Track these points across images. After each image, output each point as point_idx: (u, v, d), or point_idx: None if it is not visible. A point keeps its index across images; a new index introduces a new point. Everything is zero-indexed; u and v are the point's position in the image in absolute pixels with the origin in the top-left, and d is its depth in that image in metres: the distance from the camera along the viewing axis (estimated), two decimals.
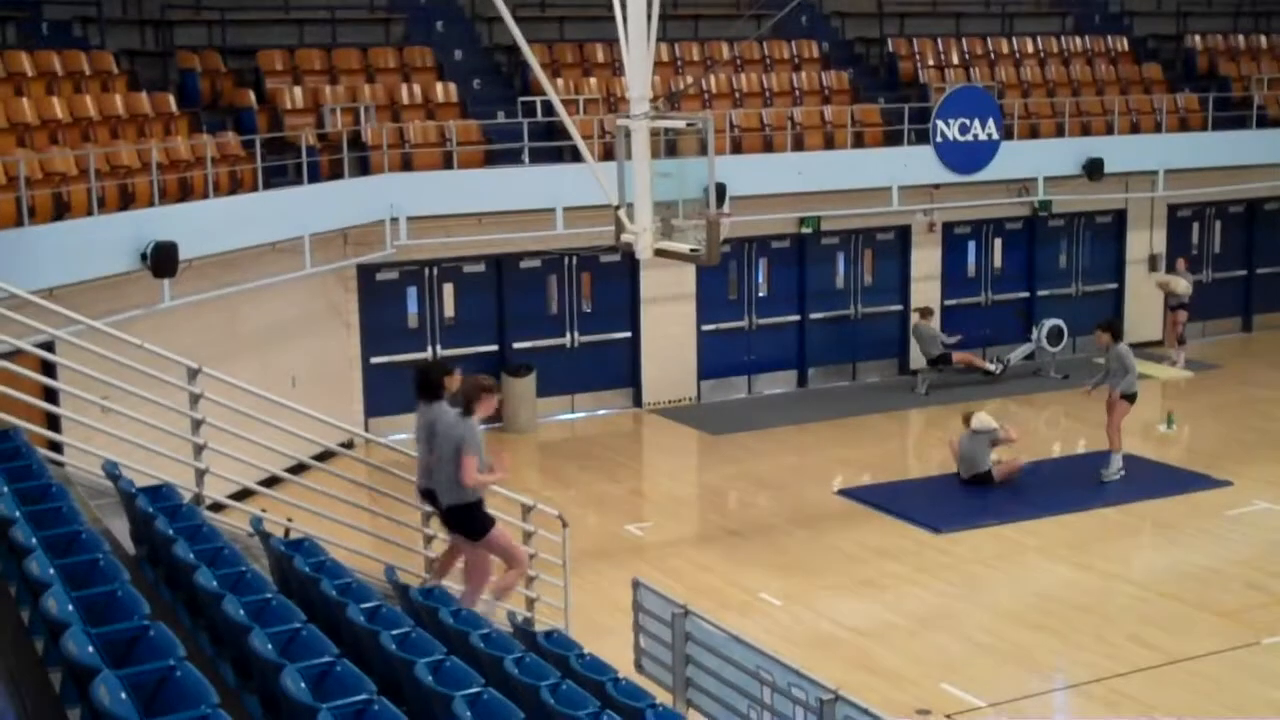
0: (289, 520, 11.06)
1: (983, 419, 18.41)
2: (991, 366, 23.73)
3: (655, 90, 15.66)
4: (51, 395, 11.64)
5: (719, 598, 14.33)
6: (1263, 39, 29.30)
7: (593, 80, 22.99)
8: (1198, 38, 28.87)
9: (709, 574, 15.34)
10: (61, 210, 14.99)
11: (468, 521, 10.48)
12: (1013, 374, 23.90)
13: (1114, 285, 26.40)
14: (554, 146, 21.33)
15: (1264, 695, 12.21)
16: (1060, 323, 24.49)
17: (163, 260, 15.56)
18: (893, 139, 23.79)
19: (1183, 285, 24.68)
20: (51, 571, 6.72)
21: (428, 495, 10.84)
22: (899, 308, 24.64)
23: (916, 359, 24.15)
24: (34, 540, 7.16)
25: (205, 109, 20.01)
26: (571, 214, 20.35)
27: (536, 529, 12.20)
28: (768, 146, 22.95)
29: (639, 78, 13.96)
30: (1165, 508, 17.43)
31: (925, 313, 23.64)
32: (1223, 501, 17.56)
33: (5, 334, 10.90)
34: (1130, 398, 18.04)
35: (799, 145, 23.10)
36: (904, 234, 24.47)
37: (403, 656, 7.08)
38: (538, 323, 22.18)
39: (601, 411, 22.64)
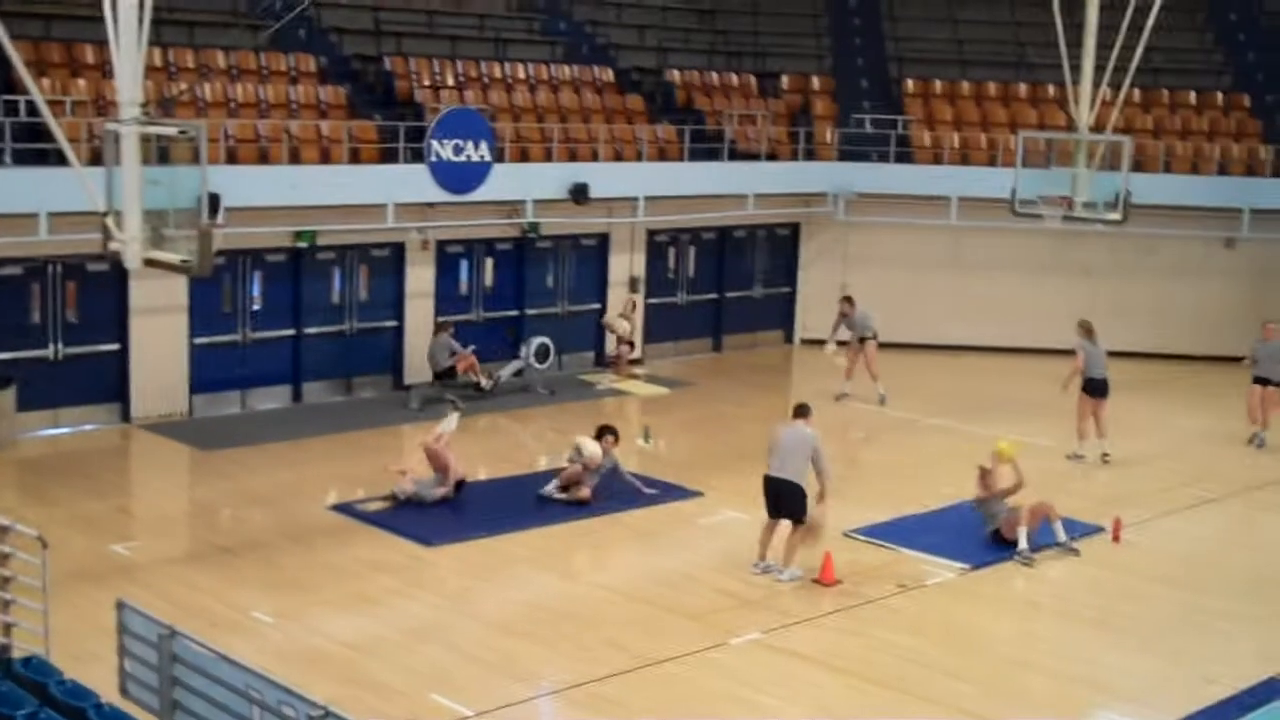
0: None
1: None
2: (484, 382, 24.29)
3: (147, 95, 15.37)
4: None
5: (210, 617, 14.16)
6: (734, 77, 31.32)
7: (81, 81, 22.17)
8: (677, 73, 30.60)
9: (200, 593, 15.11)
10: None
11: None
12: (503, 390, 24.60)
13: (597, 305, 27.61)
14: (39, 149, 20.43)
15: (733, 693, 13.13)
16: (547, 340, 25.40)
17: None
18: (388, 156, 24.05)
19: (624, 326, 26.70)
20: None
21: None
22: (394, 323, 24.91)
23: (412, 374, 24.49)
24: None
25: None
26: (57, 219, 19.56)
27: (13, 551, 11.72)
28: (263, 158, 22.78)
29: (129, 81, 13.70)
30: (645, 517, 18.39)
31: (442, 326, 24.08)
32: (695, 511, 18.72)
33: None
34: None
35: (295, 158, 23.04)
36: (399, 251, 24.77)
37: None
38: (18, 333, 21.12)
39: (87, 426, 21.78)
